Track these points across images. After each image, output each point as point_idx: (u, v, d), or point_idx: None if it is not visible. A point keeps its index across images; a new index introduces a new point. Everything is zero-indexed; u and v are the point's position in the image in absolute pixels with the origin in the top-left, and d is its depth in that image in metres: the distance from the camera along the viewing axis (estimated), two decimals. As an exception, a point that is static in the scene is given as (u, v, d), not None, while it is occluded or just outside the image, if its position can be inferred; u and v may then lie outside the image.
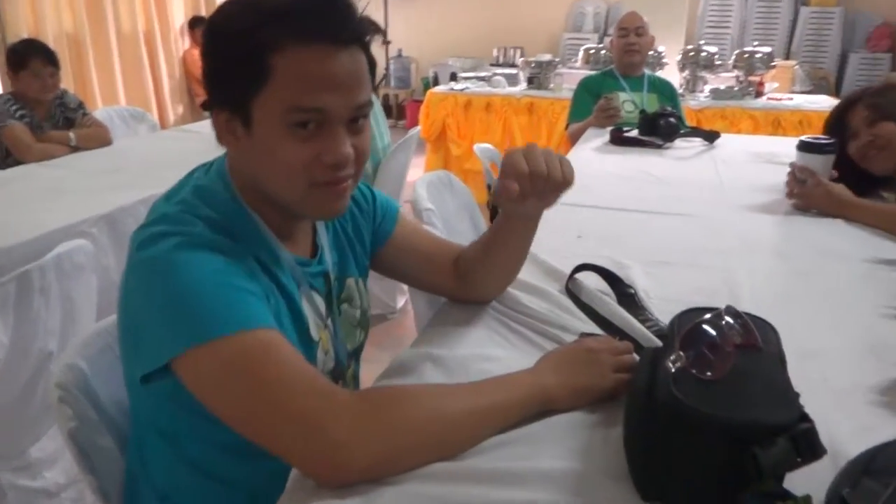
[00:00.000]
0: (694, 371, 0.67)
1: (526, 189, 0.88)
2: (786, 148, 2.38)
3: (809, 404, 0.67)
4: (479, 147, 2.58)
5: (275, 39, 0.76)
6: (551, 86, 4.64)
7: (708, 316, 0.71)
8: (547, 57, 4.94)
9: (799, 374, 0.73)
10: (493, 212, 2.62)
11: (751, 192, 1.88)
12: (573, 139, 3.09)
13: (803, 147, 1.74)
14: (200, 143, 2.88)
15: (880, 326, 1.12)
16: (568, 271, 1.23)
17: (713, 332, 0.70)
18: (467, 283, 1.10)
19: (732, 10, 6.65)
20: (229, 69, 0.80)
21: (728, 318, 0.73)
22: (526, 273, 1.24)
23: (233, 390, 0.72)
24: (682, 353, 0.68)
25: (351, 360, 1.03)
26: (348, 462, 0.68)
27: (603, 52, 4.69)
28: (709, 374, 0.67)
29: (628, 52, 3.13)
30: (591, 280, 1.22)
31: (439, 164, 4.65)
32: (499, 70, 5.50)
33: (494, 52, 6.93)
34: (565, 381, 0.83)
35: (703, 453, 0.64)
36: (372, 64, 0.85)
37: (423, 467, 0.72)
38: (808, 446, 0.61)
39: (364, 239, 1.05)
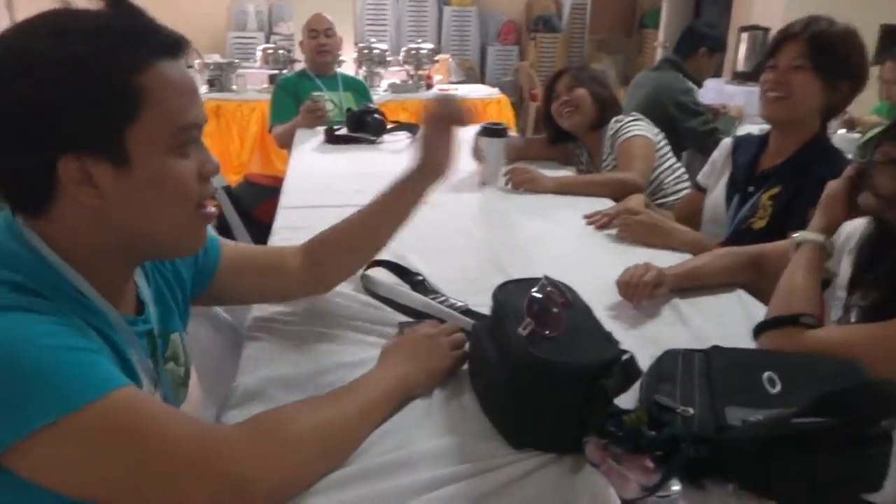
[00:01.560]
0: (539, 332, 0.81)
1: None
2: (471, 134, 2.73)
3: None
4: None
5: (138, 59, 0.69)
6: (234, 87, 4.53)
7: (536, 287, 0.85)
8: (216, 56, 4.81)
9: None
10: (220, 219, 2.53)
11: (463, 175, 2.12)
12: (280, 140, 3.11)
13: (484, 132, 2.05)
14: None
15: (599, 266, 1.42)
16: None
17: (544, 298, 0.84)
18: (321, 270, 1.10)
19: (387, 10, 7.18)
20: (84, 104, 0.67)
21: (545, 283, 0.88)
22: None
23: (110, 461, 0.64)
24: (529, 319, 0.81)
25: None
26: (253, 493, 0.68)
27: (280, 52, 4.72)
28: (548, 332, 0.82)
29: (320, 52, 3.24)
30: (380, 274, 1.30)
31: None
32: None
33: (157, 54, 6.44)
34: (419, 368, 0.91)
35: (563, 395, 0.78)
36: None
37: (320, 480, 0.74)
38: (633, 371, 0.79)
39: (185, 287, 0.98)
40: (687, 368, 0.90)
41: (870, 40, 5.18)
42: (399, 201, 1.12)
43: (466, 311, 1.15)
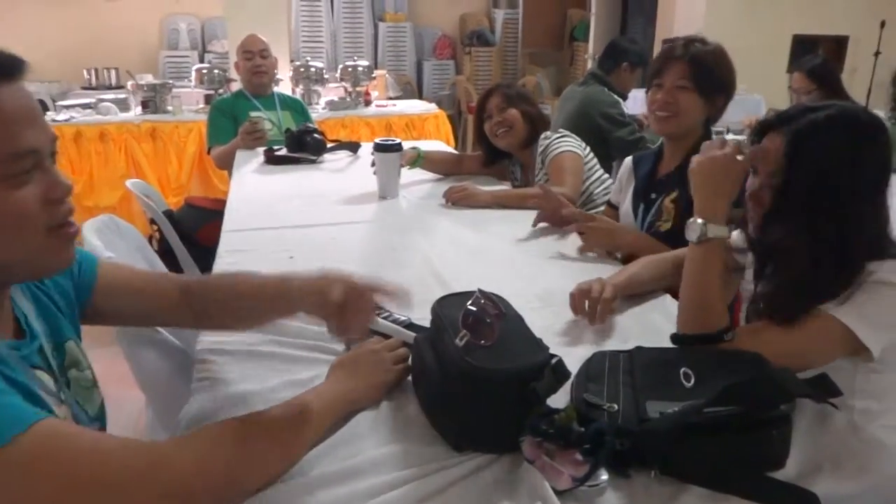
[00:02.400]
0: (475, 342, 0.87)
1: None
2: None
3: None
4: (132, 182, 2.43)
5: None
6: (169, 108, 4.48)
7: (471, 300, 0.92)
8: (149, 77, 4.76)
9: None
10: (162, 243, 2.52)
11: (407, 191, 2.19)
12: (220, 162, 3.11)
13: (378, 148, 2.13)
14: None
15: (539, 280, 1.50)
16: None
17: (478, 310, 0.91)
18: (201, 315, 1.04)
19: (322, 27, 7.21)
20: None
21: (479, 296, 0.95)
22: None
23: (45, 490, 0.65)
24: (464, 331, 0.87)
25: (95, 423, 0.95)
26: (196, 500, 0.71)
27: (216, 71, 4.70)
28: (483, 341, 0.88)
29: (256, 73, 3.25)
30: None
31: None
32: (102, 94, 5.05)
33: (85, 75, 6.28)
34: (364, 382, 0.96)
35: (499, 399, 0.84)
36: None
37: (270, 489, 0.79)
38: (562, 373, 0.87)
39: (71, 299, 0.97)
40: (613, 368, 0.99)
41: (783, 50, 5.53)
42: (281, 304, 1.01)
43: (409, 325, 1.20)
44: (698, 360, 0.97)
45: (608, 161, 2.95)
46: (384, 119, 4.57)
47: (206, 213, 2.51)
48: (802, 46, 5.48)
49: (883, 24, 5.37)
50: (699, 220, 1.13)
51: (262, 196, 2.18)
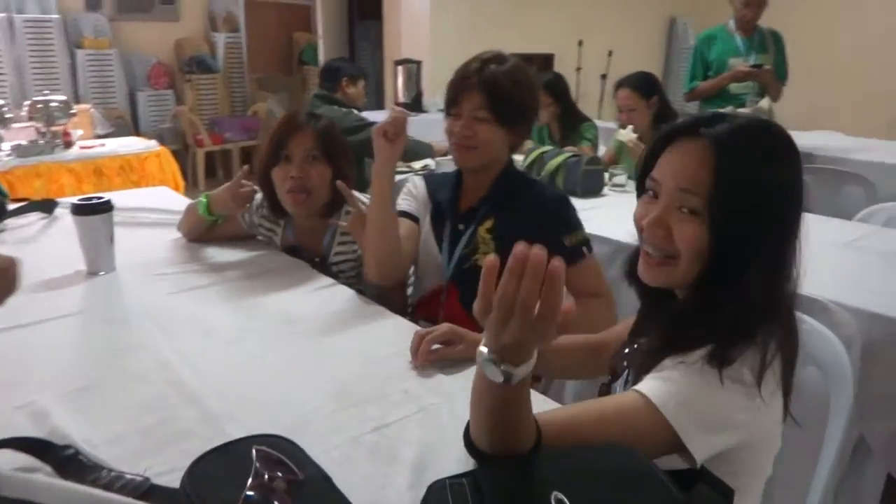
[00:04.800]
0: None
1: None
2: (136, 201, 2.29)
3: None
4: None
5: None
6: None
7: (250, 478, 0.57)
8: None
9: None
10: None
11: (127, 259, 1.68)
12: None
13: (78, 210, 1.57)
14: None
15: (329, 371, 1.16)
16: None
17: (262, 498, 0.56)
18: None
19: (1, 57, 6.00)
20: None
21: (258, 463, 0.60)
22: None
23: None
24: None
25: None
26: None
27: None
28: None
29: None
30: (6, 460, 0.87)
31: None
32: None
33: None
34: None
35: None
36: None
37: None
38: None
39: None
40: (461, 512, 0.70)
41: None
42: None
43: (149, 491, 0.80)
44: (571, 476, 0.72)
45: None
46: (91, 163, 3.83)
47: None
48: (521, 63, 5.86)
49: (581, 43, 6.01)
50: (501, 366, 0.69)
51: None
